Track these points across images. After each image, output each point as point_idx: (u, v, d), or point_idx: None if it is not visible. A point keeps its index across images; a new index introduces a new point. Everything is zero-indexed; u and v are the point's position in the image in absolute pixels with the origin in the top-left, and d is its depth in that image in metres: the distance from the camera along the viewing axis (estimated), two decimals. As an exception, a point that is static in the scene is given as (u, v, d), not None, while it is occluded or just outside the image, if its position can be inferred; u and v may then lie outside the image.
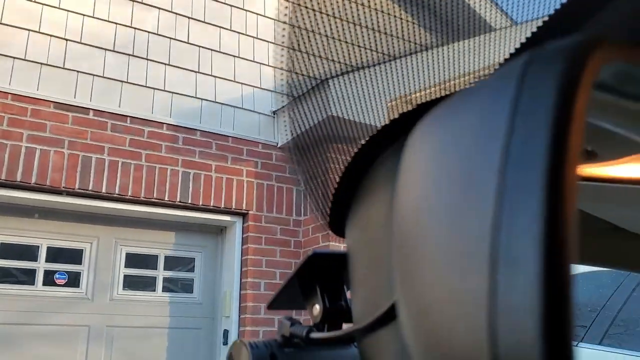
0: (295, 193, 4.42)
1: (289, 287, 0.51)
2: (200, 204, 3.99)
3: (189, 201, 3.95)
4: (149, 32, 4.06)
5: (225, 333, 4.12)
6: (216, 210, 4.10)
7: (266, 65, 4.40)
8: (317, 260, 0.49)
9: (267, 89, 4.37)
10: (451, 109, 0.28)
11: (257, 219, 4.21)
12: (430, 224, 0.26)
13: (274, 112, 4.38)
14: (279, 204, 4.32)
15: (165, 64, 4.05)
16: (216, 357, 4.17)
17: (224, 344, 4.12)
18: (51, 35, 3.72)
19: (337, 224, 0.42)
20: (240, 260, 4.18)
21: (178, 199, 3.91)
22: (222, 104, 4.18)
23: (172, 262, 4.16)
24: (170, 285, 4.13)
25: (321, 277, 0.50)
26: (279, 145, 4.36)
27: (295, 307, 0.53)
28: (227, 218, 4.18)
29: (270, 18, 4.48)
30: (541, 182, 0.21)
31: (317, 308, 0.49)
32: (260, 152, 4.28)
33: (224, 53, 4.29)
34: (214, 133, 4.10)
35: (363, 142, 0.37)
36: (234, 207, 4.12)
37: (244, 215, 4.22)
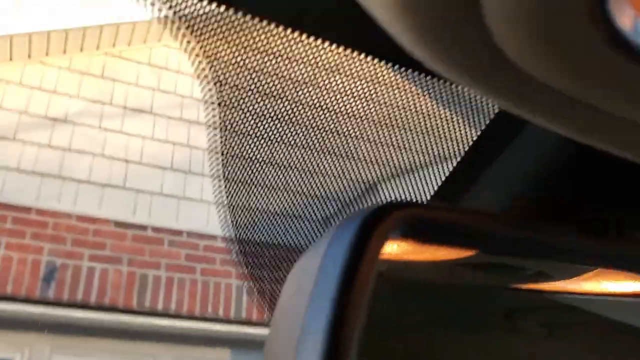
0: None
1: None
2: (254, 318, 3.93)
3: (243, 315, 3.90)
4: (204, 149, 4.23)
5: None
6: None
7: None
8: None
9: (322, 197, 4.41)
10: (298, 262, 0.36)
11: (314, 331, 4.09)
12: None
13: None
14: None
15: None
16: None
17: None
18: (113, 158, 3.92)
19: None
20: (297, 376, 4.03)
21: (232, 314, 3.87)
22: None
23: (228, 380, 4.05)
24: (227, 405, 4.00)
25: None
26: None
27: None
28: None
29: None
30: (322, 339, 0.28)
31: None
32: (315, 262, 4.25)
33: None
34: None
35: None
36: (289, 319, 4.04)
37: (300, 328, 4.11)
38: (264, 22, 0.41)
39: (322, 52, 0.45)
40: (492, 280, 0.44)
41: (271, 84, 0.51)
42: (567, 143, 0.42)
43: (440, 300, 0.43)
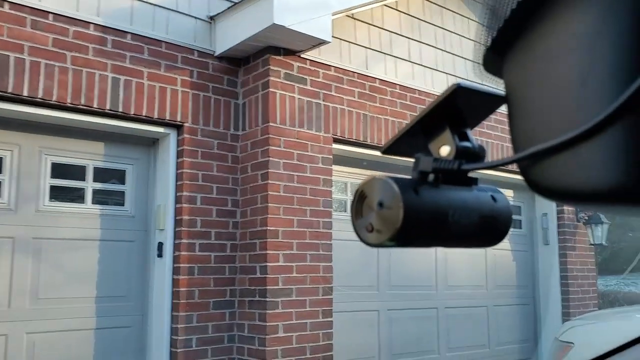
0: (233, 106, 4.25)
1: (412, 130, 0.52)
2: (132, 113, 3.82)
3: (120, 109, 3.77)
4: None
5: (160, 245, 3.97)
6: (149, 121, 3.93)
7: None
8: (461, 95, 0.50)
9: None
10: None
11: (193, 131, 4.04)
12: None
13: (211, 18, 4.20)
14: (216, 117, 4.15)
15: (92, -36, 3.86)
16: (150, 269, 4.02)
17: (158, 256, 3.97)
18: None
19: (495, 60, 0.45)
20: (175, 174, 4.02)
21: (108, 107, 3.74)
22: (155, 5, 4.00)
23: (101, 174, 3.99)
24: (101, 198, 3.97)
25: (452, 116, 0.51)
26: (216, 54, 4.18)
27: (410, 153, 0.53)
28: (160, 130, 4.01)
29: None
30: None
31: (447, 149, 0.51)
32: (196, 61, 4.11)
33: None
34: (146, 37, 3.92)
35: None
36: (167, 118, 3.95)
37: (178, 128, 4.05)
38: None
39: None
40: None
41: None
42: None
43: None
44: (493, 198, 0.53)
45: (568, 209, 6.27)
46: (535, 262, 6.39)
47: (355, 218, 0.49)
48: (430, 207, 0.48)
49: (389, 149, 0.54)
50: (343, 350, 4.43)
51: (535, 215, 6.48)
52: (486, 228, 0.52)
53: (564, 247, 6.23)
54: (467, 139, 0.51)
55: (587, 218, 6.32)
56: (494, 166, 0.47)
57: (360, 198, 0.49)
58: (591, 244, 6.41)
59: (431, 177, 0.49)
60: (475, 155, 0.50)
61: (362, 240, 0.49)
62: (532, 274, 6.37)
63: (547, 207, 6.27)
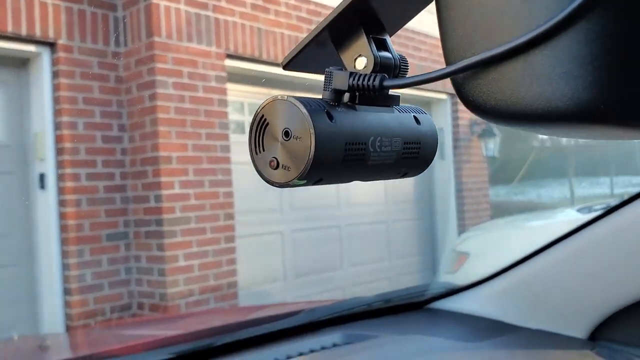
0: (112, 20, 3.86)
1: (319, 38, 0.41)
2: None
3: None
4: None
5: (42, 177, 3.65)
6: (15, 38, 3.49)
7: None
8: None
9: None
10: None
11: (69, 49, 3.65)
12: None
13: None
14: (93, 33, 3.76)
15: None
16: (33, 202, 3.71)
17: (41, 188, 3.65)
18: None
19: None
20: (51, 98, 3.65)
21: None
22: None
23: (-36, 100, 3.55)
24: (-34, 127, 3.55)
25: (368, 20, 0.41)
26: (88, -38, 3.75)
27: (318, 68, 0.43)
28: (30, 48, 3.58)
29: None
30: None
31: (364, 61, 0.41)
32: (66, -31, 3.66)
33: None
34: (2, -60, 3.42)
35: None
36: (38, 34, 3.53)
37: (52, 45, 3.64)
38: None
39: None
40: None
41: None
42: None
43: None
44: (416, 120, 0.46)
45: (463, 123, 6.43)
46: (432, 176, 6.56)
47: (256, 151, 0.41)
48: (347, 134, 0.40)
49: (291, 63, 0.43)
50: (248, 275, 4.37)
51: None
52: (409, 156, 0.45)
53: (459, 160, 6.43)
54: (386, 48, 0.42)
55: (481, 131, 6.53)
56: (423, 82, 0.38)
57: (261, 126, 0.40)
58: (484, 156, 6.66)
59: (346, 96, 0.41)
60: (397, 69, 0.42)
61: (264, 179, 0.40)
62: (429, 188, 6.56)
63: (442, 121, 6.39)
